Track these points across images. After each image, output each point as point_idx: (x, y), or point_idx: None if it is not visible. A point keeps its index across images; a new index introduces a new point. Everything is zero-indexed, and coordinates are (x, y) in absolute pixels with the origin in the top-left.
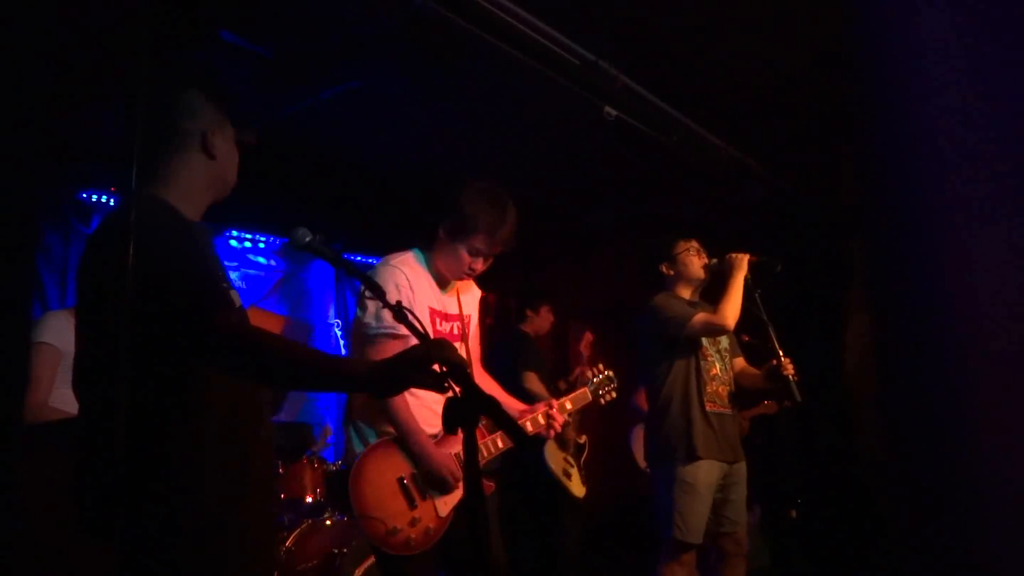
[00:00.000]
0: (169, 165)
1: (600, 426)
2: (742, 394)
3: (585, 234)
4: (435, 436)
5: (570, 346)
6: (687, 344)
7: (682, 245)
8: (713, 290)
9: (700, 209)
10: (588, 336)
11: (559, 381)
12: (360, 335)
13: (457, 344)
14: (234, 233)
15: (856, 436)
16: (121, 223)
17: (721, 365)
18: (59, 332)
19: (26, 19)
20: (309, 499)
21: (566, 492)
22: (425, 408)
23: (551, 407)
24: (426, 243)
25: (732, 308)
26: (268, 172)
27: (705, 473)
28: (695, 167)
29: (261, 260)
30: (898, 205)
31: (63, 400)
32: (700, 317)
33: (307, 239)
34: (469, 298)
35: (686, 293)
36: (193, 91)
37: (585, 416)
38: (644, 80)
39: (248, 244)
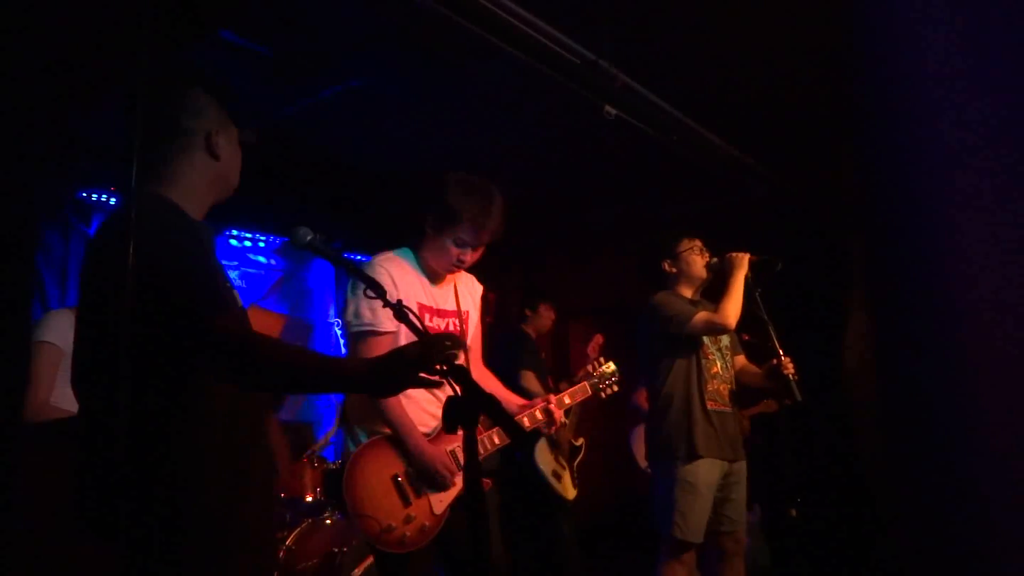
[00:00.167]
0: (173, 165)
1: (600, 426)
2: (743, 393)
3: (585, 233)
4: (428, 434)
5: (571, 346)
6: (688, 342)
7: (685, 243)
8: (714, 289)
9: (700, 208)
10: (598, 338)
11: (561, 383)
12: (347, 333)
13: None
14: (234, 232)
15: (856, 435)
16: (124, 221)
17: (722, 363)
18: (61, 331)
19: (26, 19)
20: (309, 498)
21: (555, 493)
22: (417, 407)
23: (549, 402)
24: (416, 241)
25: (733, 307)
26: (268, 171)
27: (706, 472)
28: (695, 166)
29: (261, 259)
30: (898, 203)
31: (65, 399)
32: (701, 316)
33: (308, 238)
34: (469, 294)
35: (688, 292)
36: (198, 91)
37: (584, 417)
38: (644, 79)
39: (248, 243)
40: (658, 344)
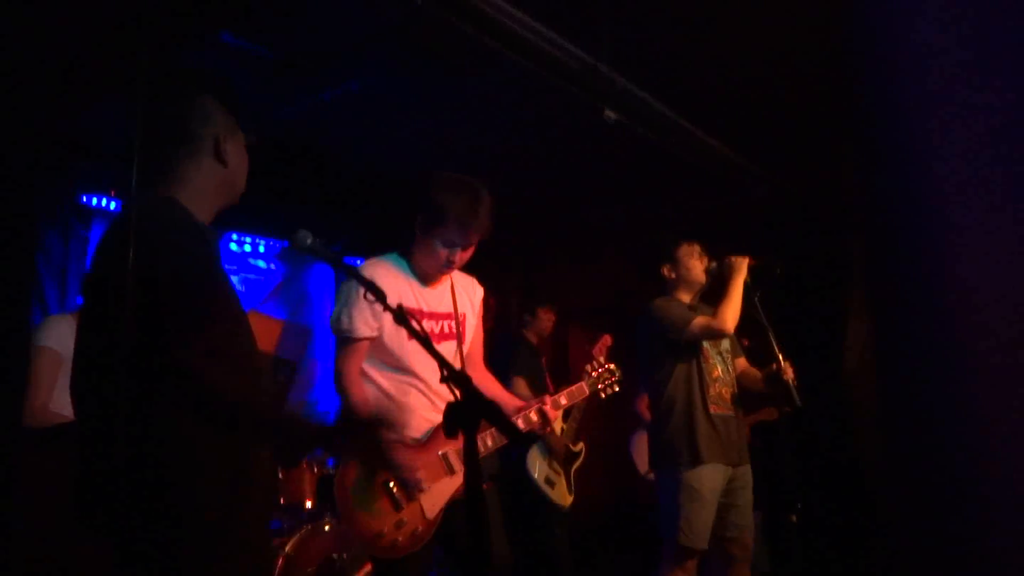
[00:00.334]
0: (181, 169)
1: (600, 426)
2: (743, 399)
3: (585, 236)
4: (420, 439)
5: (570, 349)
6: (688, 347)
7: (685, 248)
8: (713, 293)
9: (699, 210)
10: (606, 339)
11: (562, 386)
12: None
13: (450, 342)
14: (234, 237)
15: (857, 439)
16: (137, 223)
17: (723, 367)
18: (60, 336)
19: (28, 22)
20: (308, 504)
21: (547, 500)
22: (417, 414)
23: (544, 403)
24: (406, 244)
25: (732, 311)
26: (268, 175)
27: (709, 477)
28: (695, 168)
29: (261, 264)
30: (898, 203)
31: (63, 404)
32: (699, 320)
33: (308, 241)
34: (467, 296)
35: (687, 296)
36: (207, 97)
37: (584, 422)
38: (643, 82)
39: (248, 248)
40: (658, 349)
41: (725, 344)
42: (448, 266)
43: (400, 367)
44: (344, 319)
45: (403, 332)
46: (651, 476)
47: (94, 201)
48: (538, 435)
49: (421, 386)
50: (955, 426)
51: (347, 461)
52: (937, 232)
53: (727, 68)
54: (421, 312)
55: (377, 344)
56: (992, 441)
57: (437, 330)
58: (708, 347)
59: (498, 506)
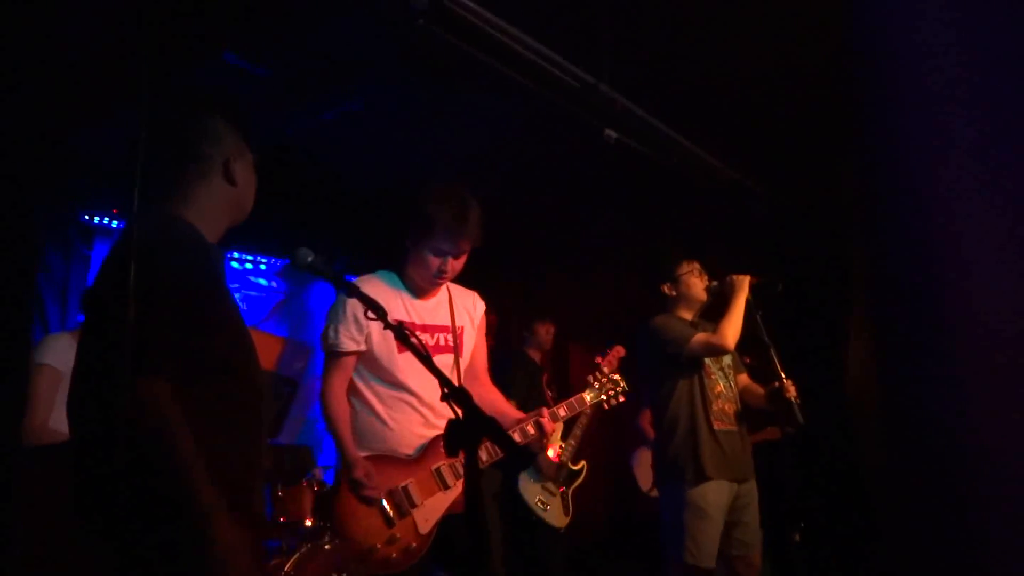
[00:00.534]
0: (190, 189)
1: (601, 448)
2: (746, 417)
3: (585, 254)
4: (411, 455)
5: (571, 368)
6: (689, 364)
7: (685, 267)
8: (715, 311)
9: (699, 228)
10: (619, 350)
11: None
12: None
13: (447, 355)
14: (235, 255)
15: (859, 456)
16: (145, 240)
17: (725, 383)
18: (60, 354)
19: (32, 40)
20: (308, 522)
21: (540, 522)
22: (408, 431)
23: (542, 415)
24: (400, 259)
25: (733, 328)
26: (269, 193)
27: (715, 494)
28: (695, 185)
29: (262, 282)
30: (898, 203)
31: (63, 422)
32: (700, 337)
33: (309, 259)
34: (466, 310)
35: (687, 314)
36: (217, 118)
37: (585, 439)
38: (643, 102)
39: (249, 266)
40: (660, 367)
41: (727, 360)
42: (439, 276)
43: (391, 381)
44: (330, 333)
45: (393, 345)
46: (654, 493)
47: (96, 220)
48: (534, 451)
49: (413, 401)
50: (954, 433)
51: (341, 478)
52: (937, 232)
53: (727, 87)
54: (413, 325)
55: (368, 357)
56: (992, 453)
57: (432, 342)
58: (710, 363)
59: (497, 525)
